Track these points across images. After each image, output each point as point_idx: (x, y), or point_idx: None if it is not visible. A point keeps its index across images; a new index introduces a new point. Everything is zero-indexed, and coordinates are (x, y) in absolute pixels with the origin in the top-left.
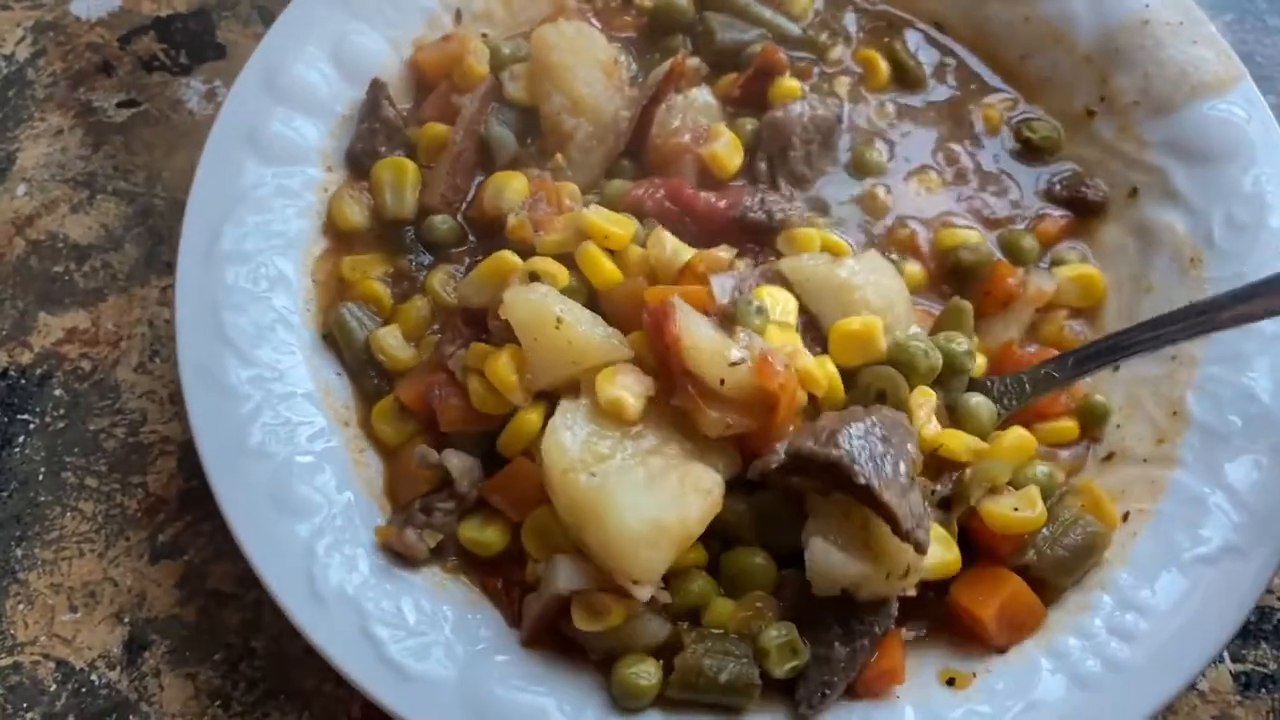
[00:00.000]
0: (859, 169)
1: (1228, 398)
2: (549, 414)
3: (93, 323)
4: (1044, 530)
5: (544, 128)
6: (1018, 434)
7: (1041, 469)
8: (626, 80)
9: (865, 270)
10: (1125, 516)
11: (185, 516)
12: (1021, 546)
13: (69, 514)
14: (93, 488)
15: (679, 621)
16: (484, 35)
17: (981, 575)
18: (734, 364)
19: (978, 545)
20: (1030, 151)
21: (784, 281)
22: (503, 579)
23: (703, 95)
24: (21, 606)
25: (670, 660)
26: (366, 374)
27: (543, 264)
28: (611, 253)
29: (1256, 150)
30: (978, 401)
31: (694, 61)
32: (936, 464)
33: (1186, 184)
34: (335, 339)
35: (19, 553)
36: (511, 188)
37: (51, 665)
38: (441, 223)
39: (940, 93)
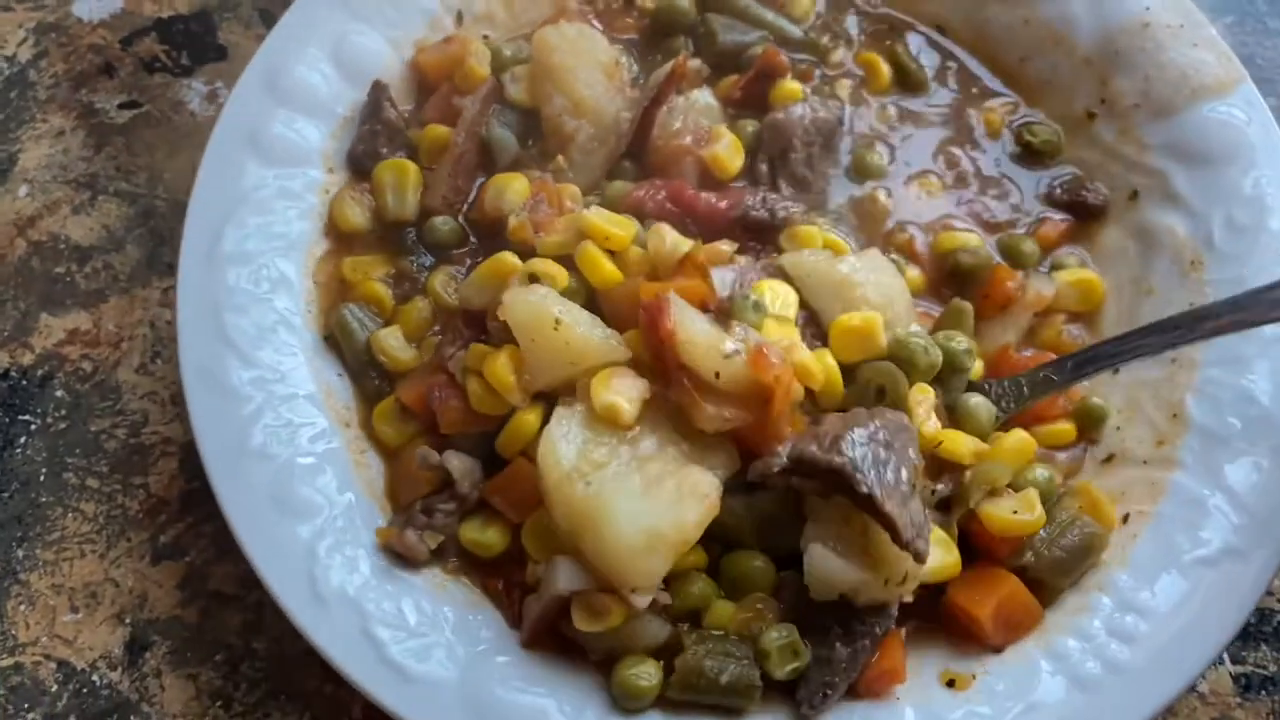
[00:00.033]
0: (860, 172)
1: (1227, 400)
2: (547, 415)
3: (94, 324)
4: (1041, 531)
5: (545, 129)
6: (1018, 436)
7: (1041, 472)
8: (628, 82)
9: (866, 267)
10: (1125, 518)
11: (186, 517)
12: (1019, 548)
13: (70, 515)
14: (94, 489)
15: (679, 623)
16: (485, 37)
17: (978, 575)
18: (728, 356)
19: (975, 546)
20: (1031, 155)
21: (785, 276)
22: (503, 580)
23: (704, 97)
24: (23, 607)
25: (671, 661)
26: (368, 375)
27: (542, 265)
28: (612, 253)
29: (1257, 153)
30: (977, 402)
31: (695, 63)
32: (936, 464)
33: (1187, 187)
34: (337, 340)
35: (20, 553)
36: (513, 189)
37: (53, 666)
38: (443, 224)
39: (942, 96)
